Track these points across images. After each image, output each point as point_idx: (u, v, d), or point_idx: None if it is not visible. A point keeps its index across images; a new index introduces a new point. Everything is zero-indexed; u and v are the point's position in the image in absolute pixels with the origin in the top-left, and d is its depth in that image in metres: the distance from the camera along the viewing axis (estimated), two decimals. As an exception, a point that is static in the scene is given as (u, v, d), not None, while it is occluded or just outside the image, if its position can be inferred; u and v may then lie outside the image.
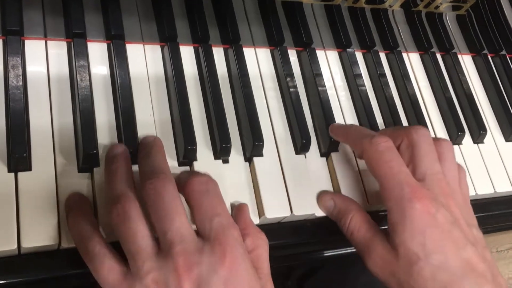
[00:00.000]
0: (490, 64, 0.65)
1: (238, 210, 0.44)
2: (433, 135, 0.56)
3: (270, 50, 0.53)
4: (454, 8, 0.63)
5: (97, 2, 0.47)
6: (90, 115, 0.41)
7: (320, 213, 0.47)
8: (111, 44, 0.45)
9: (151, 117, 0.45)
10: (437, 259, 0.39)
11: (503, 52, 0.67)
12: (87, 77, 0.43)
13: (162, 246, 0.36)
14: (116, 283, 0.36)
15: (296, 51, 0.55)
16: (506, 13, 0.70)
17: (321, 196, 0.48)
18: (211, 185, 0.39)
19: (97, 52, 0.45)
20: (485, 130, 0.58)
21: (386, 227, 0.43)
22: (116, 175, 0.39)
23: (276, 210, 0.45)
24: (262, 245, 0.41)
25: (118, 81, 0.44)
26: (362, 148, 0.44)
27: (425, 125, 0.55)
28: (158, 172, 0.38)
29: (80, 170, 0.41)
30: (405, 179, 0.42)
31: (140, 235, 0.36)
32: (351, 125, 0.51)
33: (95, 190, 0.40)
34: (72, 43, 0.44)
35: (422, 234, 0.40)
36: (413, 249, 0.40)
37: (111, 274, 0.36)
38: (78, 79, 0.42)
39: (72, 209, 0.39)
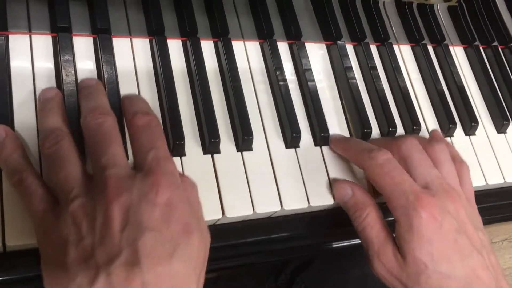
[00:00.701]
0: (482, 56, 0.65)
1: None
2: (424, 128, 0.56)
3: (260, 43, 0.53)
4: (445, 0, 0.63)
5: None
6: (77, 111, 0.41)
7: (297, 206, 0.47)
8: (97, 38, 0.45)
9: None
10: (444, 268, 0.40)
11: (495, 43, 0.67)
12: (73, 72, 0.42)
13: (95, 174, 0.35)
14: (45, 214, 0.34)
15: (288, 44, 0.55)
16: (498, 4, 0.69)
17: (338, 183, 0.48)
18: (154, 121, 0.39)
19: (83, 46, 0.45)
20: (476, 122, 0.58)
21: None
22: (50, 112, 0.39)
23: (266, 205, 0.45)
24: (191, 185, 0.39)
25: (104, 76, 0.43)
26: (361, 164, 0.46)
27: (416, 118, 0.55)
28: (100, 107, 0.38)
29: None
30: (410, 187, 0.42)
31: (72, 162, 0.35)
32: (350, 139, 0.50)
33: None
34: (57, 37, 0.43)
35: (429, 243, 0.40)
36: (421, 258, 0.41)
37: (41, 204, 0.35)
38: (64, 74, 0.42)
39: (3, 145, 0.38)
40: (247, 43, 0.52)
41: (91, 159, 0.36)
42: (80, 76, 0.43)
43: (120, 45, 0.46)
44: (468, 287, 0.40)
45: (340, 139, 0.50)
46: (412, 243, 0.41)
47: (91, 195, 0.34)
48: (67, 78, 0.42)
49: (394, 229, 0.43)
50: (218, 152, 0.46)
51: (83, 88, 0.41)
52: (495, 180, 0.57)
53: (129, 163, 0.36)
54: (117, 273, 0.31)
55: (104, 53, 0.44)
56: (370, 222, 0.44)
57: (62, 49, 0.42)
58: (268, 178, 0.47)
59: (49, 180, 0.36)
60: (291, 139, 0.48)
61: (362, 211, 0.45)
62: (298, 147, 0.49)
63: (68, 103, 0.41)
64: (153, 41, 0.47)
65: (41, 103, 0.40)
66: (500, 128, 0.60)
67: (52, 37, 0.44)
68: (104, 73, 0.43)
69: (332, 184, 0.48)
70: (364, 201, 0.46)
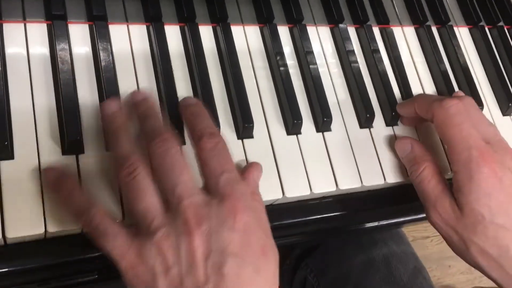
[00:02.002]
0: (487, 36, 0.63)
1: (246, 167, 0.43)
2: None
3: (260, 28, 0.52)
4: (450, -21, 0.61)
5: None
6: (73, 100, 0.40)
7: (299, 193, 0.46)
8: (93, 26, 0.44)
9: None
10: (501, 220, 0.42)
11: (501, 23, 0.65)
12: (69, 60, 0.41)
13: (171, 203, 0.35)
14: (125, 248, 0.35)
15: (288, 28, 0.53)
16: (504, -17, 0.68)
17: (400, 138, 0.50)
18: (220, 143, 0.39)
19: (79, 34, 0.44)
20: (481, 104, 0.57)
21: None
22: (119, 135, 0.38)
23: (267, 193, 0.45)
24: (258, 206, 0.40)
25: (102, 64, 0.42)
26: (432, 112, 0.46)
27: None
28: (162, 131, 0.38)
29: (65, 154, 0.40)
30: (475, 142, 0.43)
31: (149, 193, 0.36)
32: (418, 95, 0.51)
33: (81, 175, 0.40)
34: (52, 25, 0.42)
35: (488, 196, 0.42)
36: (479, 209, 0.42)
37: (118, 239, 0.35)
38: (60, 63, 0.41)
39: (59, 183, 0.37)
40: (246, 28, 0.51)
41: (163, 186, 0.36)
42: (77, 64, 0.42)
43: (117, 32, 0.45)
44: None
45: (406, 100, 0.51)
46: (471, 195, 0.42)
47: (171, 224, 0.35)
48: (63, 67, 0.41)
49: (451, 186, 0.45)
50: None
51: (138, 104, 0.41)
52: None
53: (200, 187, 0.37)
54: None
55: (100, 40, 0.43)
56: (428, 175, 0.46)
57: (57, 37, 0.42)
58: (269, 166, 0.46)
59: (128, 210, 0.37)
60: (292, 125, 0.47)
61: (419, 165, 0.47)
62: (300, 133, 0.48)
63: (65, 93, 0.40)
64: (150, 27, 0.46)
65: (105, 120, 0.39)
66: (506, 110, 0.59)
67: (47, 25, 0.43)
68: (101, 61, 0.42)
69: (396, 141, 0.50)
70: (423, 156, 0.47)
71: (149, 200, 0.35)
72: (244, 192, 0.37)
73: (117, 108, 0.40)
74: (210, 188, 0.37)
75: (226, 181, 0.37)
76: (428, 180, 0.46)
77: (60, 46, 0.42)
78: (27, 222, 0.36)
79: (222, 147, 0.39)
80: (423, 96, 0.50)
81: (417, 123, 0.52)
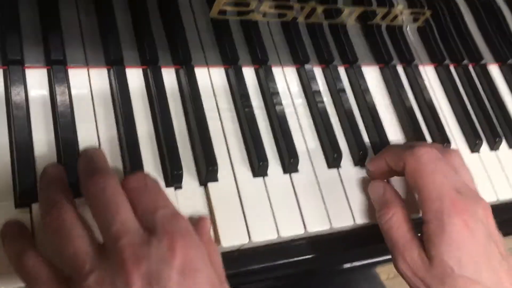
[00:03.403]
0: (452, 74, 0.64)
1: (200, 219, 0.41)
2: (396, 150, 0.55)
3: (225, 69, 0.52)
4: (414, 20, 0.62)
5: (36, 27, 0.44)
6: (27, 147, 0.39)
7: (267, 237, 0.45)
8: (51, 70, 0.43)
9: (97, 144, 0.42)
10: (471, 273, 0.41)
11: (465, 61, 0.67)
12: (24, 105, 0.40)
13: (106, 244, 0.33)
14: None
15: (254, 69, 0.53)
16: (467, 21, 0.69)
17: (373, 182, 0.49)
18: (149, 180, 0.37)
19: (36, 79, 0.43)
20: (448, 142, 0.57)
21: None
22: (49, 187, 0.36)
23: (233, 238, 0.43)
24: (216, 252, 0.38)
25: (59, 110, 0.41)
26: (404, 161, 0.45)
27: (387, 140, 0.54)
28: (99, 169, 0.36)
29: (18, 206, 0.38)
30: (447, 192, 0.43)
31: (76, 235, 0.33)
32: (387, 147, 0.51)
33: (34, 227, 0.38)
34: (7, 70, 0.41)
35: (459, 249, 0.41)
36: (449, 261, 0.41)
37: (49, 286, 0.33)
38: (14, 108, 0.40)
39: (7, 233, 0.36)
40: (211, 69, 0.51)
41: (99, 227, 0.34)
42: (33, 109, 0.41)
43: (77, 76, 0.44)
44: None
45: (376, 156, 0.50)
46: (441, 247, 0.41)
47: (105, 267, 0.32)
48: (18, 113, 0.40)
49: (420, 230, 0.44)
50: (181, 183, 0.44)
51: (82, 154, 0.39)
52: (470, 200, 0.55)
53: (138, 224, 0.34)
54: None
55: (58, 85, 0.42)
56: (396, 222, 0.45)
57: (12, 83, 0.41)
58: (235, 209, 0.45)
59: (57, 257, 0.34)
60: (258, 167, 0.47)
61: (389, 210, 0.46)
62: (267, 175, 0.48)
63: (19, 140, 0.39)
64: (111, 71, 0.46)
65: (41, 180, 0.38)
66: (474, 147, 0.59)
67: (3, 70, 0.42)
68: (58, 106, 0.41)
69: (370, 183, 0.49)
70: (393, 201, 0.46)
71: (77, 244, 0.33)
72: (186, 227, 0.34)
73: (54, 170, 0.38)
74: (148, 227, 0.34)
75: (162, 217, 0.34)
76: (397, 228, 0.45)
77: (16, 91, 0.40)
78: None
79: (153, 184, 0.36)
80: (393, 147, 0.50)
81: (387, 177, 0.51)
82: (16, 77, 0.41)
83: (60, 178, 0.38)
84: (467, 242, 0.41)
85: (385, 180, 0.50)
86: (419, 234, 0.44)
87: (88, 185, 0.35)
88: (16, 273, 0.34)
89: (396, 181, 0.51)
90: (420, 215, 0.45)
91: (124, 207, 0.34)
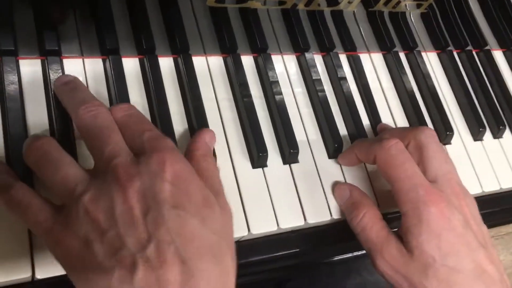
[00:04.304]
0: (456, 61, 0.63)
1: (196, 132, 0.43)
2: (398, 139, 0.55)
3: (223, 58, 0.51)
4: (417, 6, 0.61)
5: (29, 18, 0.43)
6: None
7: (266, 229, 0.44)
8: (46, 60, 0.42)
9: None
10: (452, 262, 0.40)
11: (469, 47, 0.65)
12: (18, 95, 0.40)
13: (98, 166, 0.34)
14: (50, 221, 0.32)
15: (253, 57, 0.52)
16: (471, 6, 0.68)
17: (338, 185, 0.48)
18: (133, 109, 0.39)
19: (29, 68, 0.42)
20: (451, 130, 0.56)
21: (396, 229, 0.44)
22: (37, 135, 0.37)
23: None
24: (210, 169, 0.39)
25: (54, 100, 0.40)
26: (374, 154, 0.44)
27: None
28: (89, 98, 0.37)
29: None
30: (420, 181, 0.42)
31: (65, 161, 0.34)
32: (356, 141, 0.50)
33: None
34: (1, 60, 0.40)
35: (438, 237, 0.40)
36: (429, 251, 0.40)
37: (42, 213, 0.33)
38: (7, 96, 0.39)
39: None
40: (209, 58, 0.50)
41: (92, 152, 0.35)
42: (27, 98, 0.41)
43: (72, 65, 0.43)
44: (476, 280, 0.40)
45: (346, 150, 0.49)
46: (421, 236, 0.41)
47: (99, 187, 0.32)
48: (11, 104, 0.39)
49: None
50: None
51: (63, 84, 0.40)
52: (473, 190, 0.55)
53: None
54: (154, 256, 0.30)
55: (52, 74, 0.41)
56: (369, 222, 0.44)
57: (5, 72, 0.40)
58: (234, 201, 0.44)
59: (46, 186, 0.35)
60: (258, 158, 0.46)
61: (358, 211, 0.45)
62: (266, 166, 0.47)
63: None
64: (107, 60, 0.45)
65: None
66: (477, 135, 0.58)
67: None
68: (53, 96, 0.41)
69: (333, 187, 0.48)
70: (361, 201, 0.46)
71: (66, 167, 0.33)
72: (172, 146, 0.36)
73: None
74: (136, 150, 0.35)
75: (149, 137, 0.36)
76: (370, 227, 0.44)
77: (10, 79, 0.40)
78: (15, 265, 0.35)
79: (137, 112, 0.38)
80: (362, 141, 0.49)
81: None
82: (9, 68, 0.40)
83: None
84: (445, 230, 0.40)
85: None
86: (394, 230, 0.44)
87: (80, 113, 0.36)
88: (6, 208, 0.34)
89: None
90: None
91: (115, 131, 0.36)
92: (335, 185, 0.48)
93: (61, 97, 0.39)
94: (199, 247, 0.32)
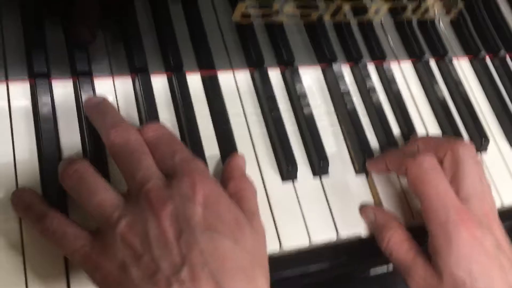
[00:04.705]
0: (488, 66, 0.61)
1: (229, 157, 0.43)
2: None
3: (250, 72, 0.51)
4: (447, 13, 0.60)
5: (61, 40, 0.44)
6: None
7: (298, 243, 0.44)
8: (77, 81, 0.43)
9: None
10: (483, 284, 0.39)
11: (502, 52, 0.64)
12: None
13: (132, 191, 0.35)
14: (87, 248, 0.33)
15: (280, 70, 0.52)
16: (502, 9, 0.66)
17: (362, 209, 0.47)
18: (164, 129, 0.39)
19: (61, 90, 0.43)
20: (487, 138, 0.55)
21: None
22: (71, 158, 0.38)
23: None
24: (247, 188, 0.40)
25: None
26: (405, 167, 0.43)
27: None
28: (119, 121, 0.38)
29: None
30: (451, 201, 0.41)
31: (100, 187, 0.34)
32: (388, 150, 0.49)
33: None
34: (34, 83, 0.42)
35: (468, 260, 0.39)
36: (459, 274, 0.39)
37: (78, 241, 0.33)
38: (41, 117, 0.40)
39: (19, 197, 0.37)
40: (236, 72, 0.50)
41: (124, 176, 0.36)
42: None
43: (102, 85, 0.44)
44: None
45: (377, 156, 0.48)
46: (450, 259, 0.39)
47: (133, 212, 0.33)
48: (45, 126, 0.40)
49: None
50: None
51: (93, 107, 0.40)
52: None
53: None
54: (188, 279, 0.31)
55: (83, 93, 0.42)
56: (395, 244, 0.44)
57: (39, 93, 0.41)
58: (265, 215, 0.44)
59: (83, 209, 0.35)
60: (287, 171, 0.46)
61: (384, 234, 0.44)
62: (296, 179, 0.46)
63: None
64: (136, 78, 0.45)
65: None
66: (514, 142, 0.57)
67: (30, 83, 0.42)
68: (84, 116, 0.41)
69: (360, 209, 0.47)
70: (385, 224, 0.45)
71: (103, 193, 0.34)
72: (202, 167, 0.37)
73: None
74: (168, 172, 0.36)
75: (180, 159, 0.36)
76: (397, 251, 0.43)
77: (43, 101, 0.41)
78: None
79: (168, 132, 0.39)
80: (394, 151, 0.48)
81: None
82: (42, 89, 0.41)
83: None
84: (476, 253, 0.39)
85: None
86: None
87: (111, 138, 0.36)
88: (41, 236, 0.35)
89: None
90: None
91: (147, 155, 0.36)
92: (361, 208, 0.47)
93: (92, 120, 0.40)
94: (232, 267, 0.32)
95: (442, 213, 0.40)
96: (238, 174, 0.41)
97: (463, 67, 0.61)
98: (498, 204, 0.52)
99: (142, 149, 0.37)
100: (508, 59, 0.63)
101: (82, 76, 0.43)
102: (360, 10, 0.54)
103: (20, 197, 0.37)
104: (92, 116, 0.40)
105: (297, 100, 0.50)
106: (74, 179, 0.35)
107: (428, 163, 0.42)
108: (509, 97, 0.60)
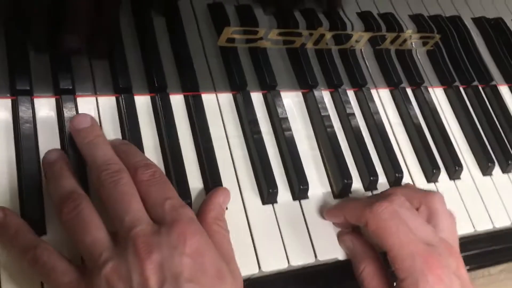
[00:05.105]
0: (462, 96, 0.64)
1: (212, 192, 0.43)
2: (407, 175, 0.55)
3: (233, 95, 0.51)
4: (424, 44, 0.62)
5: (45, 58, 0.44)
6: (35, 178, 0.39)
7: (276, 267, 0.44)
8: (60, 99, 0.43)
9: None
10: None
11: (475, 83, 0.66)
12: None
13: (120, 234, 0.34)
14: (74, 285, 0.33)
15: (262, 94, 0.53)
16: (476, 43, 0.69)
17: (340, 236, 0.47)
18: (157, 173, 0.39)
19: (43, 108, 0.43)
20: (460, 165, 0.56)
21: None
22: (62, 175, 0.37)
23: (242, 267, 0.42)
24: (221, 232, 0.40)
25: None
26: (365, 220, 0.42)
27: (399, 164, 0.53)
28: (111, 162, 0.37)
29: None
30: (416, 248, 0.40)
31: (94, 226, 0.35)
32: (345, 202, 0.48)
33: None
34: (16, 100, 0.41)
35: None
36: None
37: (66, 277, 0.34)
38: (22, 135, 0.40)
39: (6, 225, 0.36)
40: (219, 95, 0.51)
41: (111, 217, 0.36)
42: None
43: (85, 104, 0.44)
44: None
45: (334, 206, 0.48)
46: None
47: (120, 256, 0.33)
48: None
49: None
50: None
51: (81, 131, 0.40)
52: (483, 226, 0.55)
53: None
54: None
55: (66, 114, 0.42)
56: (368, 275, 0.44)
57: (20, 111, 0.41)
58: (244, 238, 0.44)
59: (75, 247, 0.35)
60: (268, 194, 0.46)
61: (360, 264, 0.45)
62: (276, 202, 0.47)
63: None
64: (120, 98, 0.45)
65: (46, 167, 0.39)
66: (486, 170, 0.58)
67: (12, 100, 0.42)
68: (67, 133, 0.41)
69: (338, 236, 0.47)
70: (362, 254, 0.45)
71: (96, 233, 0.34)
72: (191, 216, 0.37)
73: (57, 155, 0.39)
74: (157, 218, 0.36)
75: (171, 208, 0.36)
76: (368, 281, 0.43)
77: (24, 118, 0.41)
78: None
79: (160, 176, 0.39)
80: (351, 203, 0.46)
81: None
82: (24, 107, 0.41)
83: (65, 164, 0.39)
84: None
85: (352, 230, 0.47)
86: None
87: (102, 178, 0.36)
88: (28, 267, 0.35)
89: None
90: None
91: (136, 199, 0.36)
92: (339, 235, 0.47)
93: (81, 150, 0.40)
94: None
95: (408, 261, 0.40)
96: (212, 215, 0.41)
97: (438, 96, 0.63)
98: (470, 230, 0.54)
99: (132, 192, 0.37)
100: (480, 89, 0.66)
101: (65, 94, 0.43)
102: (341, 39, 0.56)
103: (5, 223, 0.36)
104: (83, 147, 0.40)
105: (279, 123, 0.51)
106: (72, 215, 0.35)
107: (387, 211, 0.41)
108: (481, 126, 0.62)
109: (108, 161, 0.38)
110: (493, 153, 0.60)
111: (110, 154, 0.39)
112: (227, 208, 0.44)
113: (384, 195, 0.45)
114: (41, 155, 0.40)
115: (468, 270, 0.51)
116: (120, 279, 0.32)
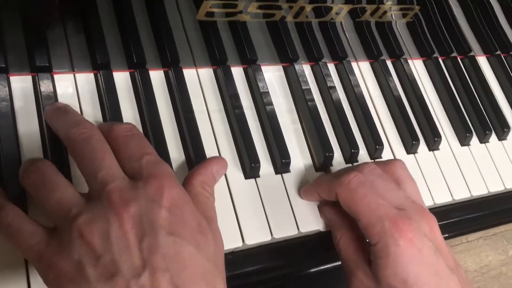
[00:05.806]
0: (441, 67, 0.64)
1: (210, 158, 0.43)
2: (388, 147, 0.55)
3: (213, 70, 0.51)
4: (403, 16, 0.62)
5: (20, 35, 0.43)
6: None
7: (260, 239, 0.45)
8: (37, 76, 0.42)
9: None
10: None
11: (454, 54, 0.67)
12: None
13: (93, 190, 0.34)
14: (42, 245, 0.32)
15: (243, 68, 0.53)
16: (456, 14, 0.69)
17: (322, 207, 0.47)
18: (135, 130, 0.38)
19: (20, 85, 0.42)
20: (439, 136, 0.57)
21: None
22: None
23: (226, 241, 0.43)
24: (207, 195, 0.40)
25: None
26: (334, 192, 0.43)
27: (379, 137, 0.54)
28: (81, 121, 0.37)
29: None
30: (385, 212, 0.40)
31: (61, 184, 0.34)
32: (317, 178, 0.48)
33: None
34: None
35: (405, 271, 0.39)
36: (395, 285, 0.39)
37: (34, 237, 0.32)
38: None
39: None
40: (200, 70, 0.50)
41: (84, 176, 0.35)
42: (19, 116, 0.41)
43: (62, 80, 0.44)
44: None
45: (308, 185, 0.48)
46: (387, 270, 0.39)
47: (93, 210, 0.32)
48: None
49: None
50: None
51: (56, 110, 0.39)
52: (461, 194, 0.56)
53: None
54: (149, 284, 0.30)
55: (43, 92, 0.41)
56: (343, 244, 0.44)
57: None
58: (227, 212, 0.44)
59: (40, 208, 0.34)
60: (250, 169, 0.46)
61: (336, 233, 0.45)
62: (258, 176, 0.47)
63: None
64: (98, 75, 0.45)
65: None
66: (464, 140, 0.59)
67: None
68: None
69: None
70: (338, 223, 0.45)
71: (62, 190, 0.33)
72: (170, 172, 0.36)
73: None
74: (133, 174, 0.35)
75: (148, 162, 0.36)
76: (344, 250, 0.44)
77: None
78: None
79: (138, 132, 0.38)
80: (322, 178, 0.47)
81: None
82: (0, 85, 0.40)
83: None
84: (414, 262, 0.39)
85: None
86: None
87: (72, 136, 0.36)
88: None
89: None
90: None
91: (109, 155, 0.35)
92: (319, 206, 0.48)
93: (51, 122, 0.39)
94: (193, 274, 0.32)
95: (378, 226, 0.40)
96: (200, 178, 0.40)
97: (417, 68, 0.64)
98: (448, 200, 0.55)
99: (105, 148, 0.36)
100: (459, 60, 0.67)
101: (41, 72, 0.42)
102: (321, 11, 0.56)
103: None
104: (51, 118, 0.39)
105: (260, 97, 0.50)
106: (34, 176, 0.34)
107: (354, 181, 0.42)
108: (460, 97, 0.63)
109: (79, 121, 0.37)
110: (471, 123, 0.61)
111: (81, 118, 0.38)
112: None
113: (353, 167, 0.45)
114: (19, 133, 0.40)
115: (447, 238, 0.53)
116: (95, 233, 0.31)
